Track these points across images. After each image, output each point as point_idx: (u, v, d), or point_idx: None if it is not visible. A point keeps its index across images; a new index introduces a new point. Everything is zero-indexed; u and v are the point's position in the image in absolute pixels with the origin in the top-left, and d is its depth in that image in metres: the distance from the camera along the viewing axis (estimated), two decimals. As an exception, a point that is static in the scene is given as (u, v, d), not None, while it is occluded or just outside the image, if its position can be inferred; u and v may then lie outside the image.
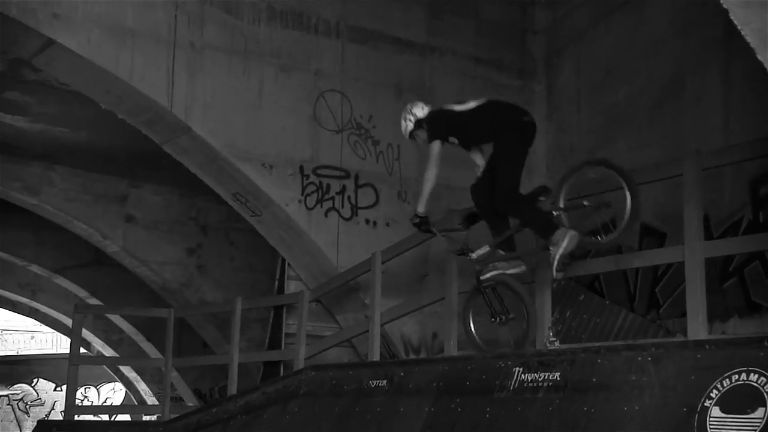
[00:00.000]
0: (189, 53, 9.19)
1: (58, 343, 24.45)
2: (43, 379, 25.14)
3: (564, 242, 5.91)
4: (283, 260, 11.21)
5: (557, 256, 5.94)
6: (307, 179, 9.74)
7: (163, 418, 10.96)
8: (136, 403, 20.39)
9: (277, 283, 12.56)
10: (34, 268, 17.57)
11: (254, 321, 13.14)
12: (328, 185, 9.85)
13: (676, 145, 8.74)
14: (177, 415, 9.81)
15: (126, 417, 20.07)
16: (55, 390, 24.59)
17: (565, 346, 6.56)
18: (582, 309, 8.67)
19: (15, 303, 19.85)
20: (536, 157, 10.86)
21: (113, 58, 8.83)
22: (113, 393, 23.87)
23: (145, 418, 15.94)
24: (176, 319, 11.58)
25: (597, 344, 6.43)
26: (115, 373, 21.57)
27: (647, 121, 9.48)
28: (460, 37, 10.65)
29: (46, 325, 21.12)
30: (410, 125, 6.58)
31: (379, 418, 6.03)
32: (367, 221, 9.94)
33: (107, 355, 18.83)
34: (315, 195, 9.78)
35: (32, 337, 28.93)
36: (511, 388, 5.10)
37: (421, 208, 6.45)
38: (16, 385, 25.12)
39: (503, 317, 6.34)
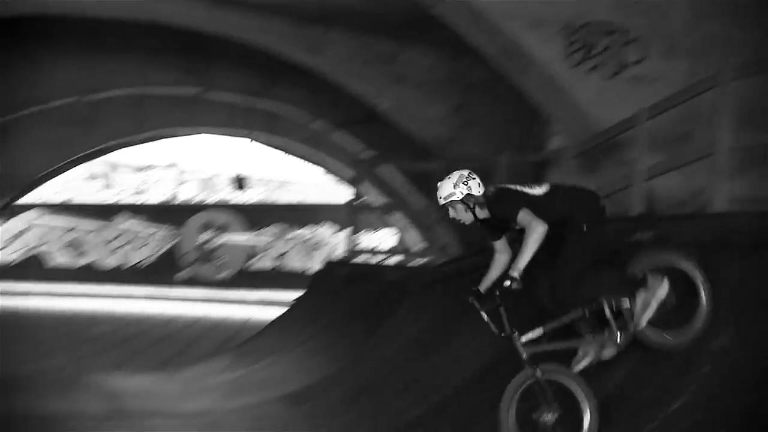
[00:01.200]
0: None
1: (339, 192, 25.85)
2: (327, 222, 26.74)
3: (661, 288, 5.18)
4: (546, 116, 11.18)
5: (653, 304, 5.17)
6: (572, 36, 9.56)
7: (433, 262, 11.53)
8: (406, 249, 21.40)
9: (538, 139, 12.59)
10: (316, 124, 18.64)
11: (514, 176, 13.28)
12: (594, 43, 9.62)
13: None
14: (444, 260, 10.28)
15: (397, 260, 21.16)
16: (336, 234, 26.17)
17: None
18: None
19: (302, 155, 21.18)
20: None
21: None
22: (386, 238, 25.04)
23: (416, 263, 16.78)
24: (444, 171, 11.96)
25: None
26: (388, 221, 22.71)
27: None
28: None
29: (328, 174, 22.42)
30: (458, 195, 5.34)
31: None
32: (632, 78, 9.65)
33: (381, 202, 19.79)
34: (580, 52, 9.60)
35: (317, 187, 30.81)
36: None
37: (517, 272, 5.21)
38: (303, 229, 26.90)
39: (553, 414, 5.22)
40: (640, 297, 5.21)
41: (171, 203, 31.18)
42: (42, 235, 27.81)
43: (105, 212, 28.29)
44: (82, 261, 27.66)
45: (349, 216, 12.23)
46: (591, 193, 5.60)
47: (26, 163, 19.15)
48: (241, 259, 26.75)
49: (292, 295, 12.20)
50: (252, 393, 8.14)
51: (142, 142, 20.94)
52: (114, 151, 21.54)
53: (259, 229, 26.92)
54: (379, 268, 13.10)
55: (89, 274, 27.06)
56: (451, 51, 14.42)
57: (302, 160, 21.61)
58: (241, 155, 23.76)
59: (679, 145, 9.10)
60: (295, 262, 26.49)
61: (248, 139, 20.29)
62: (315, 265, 23.82)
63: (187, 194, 33.04)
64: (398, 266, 14.20)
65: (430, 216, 17.34)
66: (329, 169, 21.48)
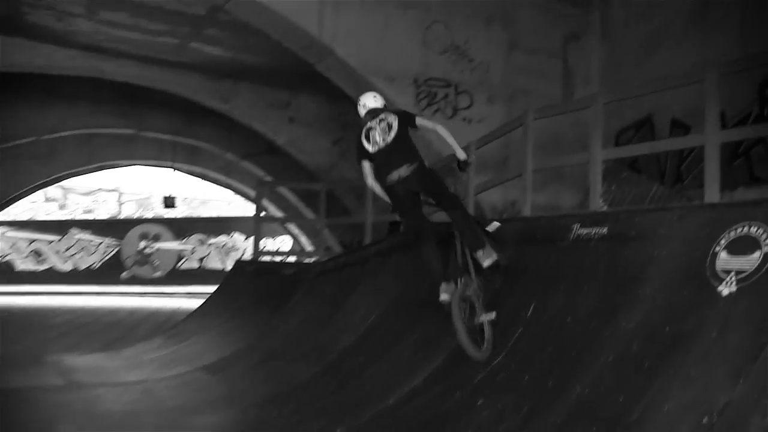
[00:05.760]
0: (334, -3, 9.19)
1: (247, 208, 25.35)
2: (238, 232, 26.25)
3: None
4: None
5: None
6: (419, 88, 9.68)
7: (320, 260, 11.39)
8: (299, 250, 21.20)
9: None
10: (228, 156, 18.21)
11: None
12: (435, 93, 9.77)
13: (704, 56, 8.27)
14: (328, 258, 10.20)
15: (292, 259, 20.93)
16: (245, 240, 25.71)
17: (611, 210, 6.47)
18: (624, 183, 8.48)
19: (216, 180, 20.67)
20: (591, 68, 10.46)
21: (281, 2, 8.85)
22: (284, 243, 24.81)
23: (307, 260, 16.62)
24: (326, 190, 11.89)
25: (635, 207, 6.31)
26: (285, 229, 22.42)
27: (680, 39, 8.96)
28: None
29: (238, 195, 21.96)
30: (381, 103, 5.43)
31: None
32: (464, 119, 9.86)
33: (279, 216, 19.55)
34: (425, 100, 9.73)
35: (229, 204, 30.11)
36: (571, 239, 5.11)
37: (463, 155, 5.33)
38: (219, 237, 26.31)
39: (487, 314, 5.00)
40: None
41: (114, 219, 29.80)
42: (10, 245, 26.09)
43: (61, 227, 26.79)
44: (44, 266, 26.08)
45: (255, 226, 11.92)
46: None
47: (-4, 189, 18.02)
48: (171, 262, 25.90)
49: (212, 288, 11.80)
50: (180, 365, 7.80)
51: (90, 172, 19.98)
52: (67, 179, 20.47)
53: (185, 237, 26.19)
54: (279, 265, 12.88)
55: (50, 276, 25.52)
56: (332, 97, 14.40)
57: (217, 184, 21.14)
58: (169, 180, 22.97)
59: (499, 168, 9.35)
60: (214, 263, 25.86)
61: (172, 168, 19.72)
62: (229, 264, 23.25)
63: (127, 212, 31.72)
64: (293, 263, 13.99)
65: (317, 225, 17.17)
66: (238, 191, 21.05)
